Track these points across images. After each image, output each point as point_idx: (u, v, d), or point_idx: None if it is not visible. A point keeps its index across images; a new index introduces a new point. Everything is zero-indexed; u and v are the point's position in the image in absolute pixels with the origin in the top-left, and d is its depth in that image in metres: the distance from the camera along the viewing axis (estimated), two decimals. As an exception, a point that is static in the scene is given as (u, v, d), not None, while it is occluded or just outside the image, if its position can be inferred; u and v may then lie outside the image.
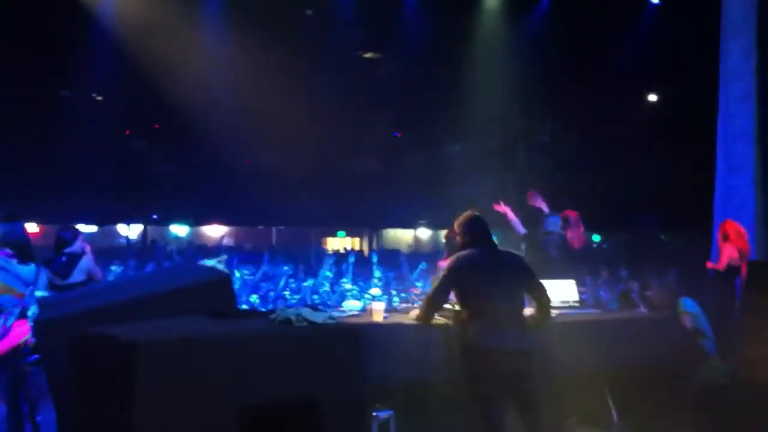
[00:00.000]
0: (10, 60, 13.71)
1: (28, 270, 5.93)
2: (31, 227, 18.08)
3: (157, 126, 17.42)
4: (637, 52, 13.90)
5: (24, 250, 5.97)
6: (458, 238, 5.53)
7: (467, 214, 5.60)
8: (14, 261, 5.90)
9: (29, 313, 6.25)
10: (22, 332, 5.92)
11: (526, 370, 5.13)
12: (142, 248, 18.12)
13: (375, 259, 11.98)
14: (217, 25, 14.14)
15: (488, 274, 5.22)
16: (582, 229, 8.08)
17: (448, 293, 5.34)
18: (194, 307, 4.49)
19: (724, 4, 10.24)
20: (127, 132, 17.23)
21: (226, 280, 4.96)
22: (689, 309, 7.05)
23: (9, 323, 5.68)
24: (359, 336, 4.28)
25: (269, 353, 3.93)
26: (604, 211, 11.46)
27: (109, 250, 16.40)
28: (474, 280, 5.21)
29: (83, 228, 20.90)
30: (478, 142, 15.35)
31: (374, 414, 5.22)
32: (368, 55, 16.57)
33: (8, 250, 5.93)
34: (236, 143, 15.73)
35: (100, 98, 17.16)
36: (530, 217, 8.25)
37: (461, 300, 5.30)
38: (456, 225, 5.56)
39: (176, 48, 13.52)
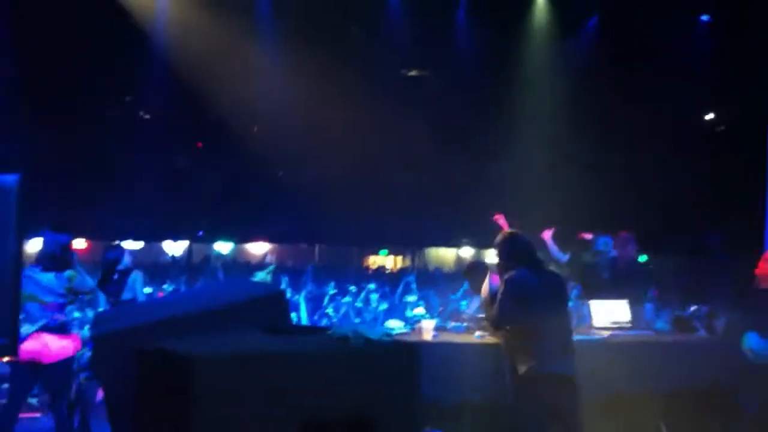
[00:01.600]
0: (59, 77, 13.99)
1: (47, 278, 6.00)
2: (80, 243, 18.37)
3: (200, 144, 17.65)
4: (688, 70, 13.74)
5: (52, 259, 6.05)
6: (499, 258, 5.39)
7: (508, 232, 5.54)
8: (38, 269, 6.00)
9: (73, 325, 6.34)
10: (66, 347, 6.00)
11: (574, 395, 5.07)
12: (188, 265, 18.26)
13: (413, 280, 11.96)
14: (263, 40, 14.28)
15: (539, 296, 5.12)
16: (632, 248, 7.96)
17: (509, 314, 5.19)
18: (250, 323, 4.50)
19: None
20: (199, 145, 17.41)
21: (280, 295, 4.97)
22: (754, 346, 6.83)
23: (31, 330, 5.76)
24: (415, 353, 4.24)
25: (326, 369, 3.89)
26: (651, 231, 11.27)
27: (153, 267, 16.60)
28: (526, 302, 5.10)
29: (129, 245, 21.23)
30: (523, 162, 15.23)
31: (423, 434, 5.21)
32: (413, 72, 16.60)
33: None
34: (281, 160, 15.86)
35: (147, 116, 17.44)
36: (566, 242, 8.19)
37: (515, 323, 5.20)
38: (497, 244, 5.43)
39: (222, 64, 13.68)
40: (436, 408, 5.46)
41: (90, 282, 6.32)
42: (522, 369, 5.07)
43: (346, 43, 14.45)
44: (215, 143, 16.82)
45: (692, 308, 7.27)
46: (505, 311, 5.14)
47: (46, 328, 5.89)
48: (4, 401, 6.22)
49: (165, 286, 10.69)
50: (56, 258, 6.04)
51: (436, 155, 16.85)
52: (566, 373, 5.05)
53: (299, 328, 4.87)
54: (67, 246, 6.20)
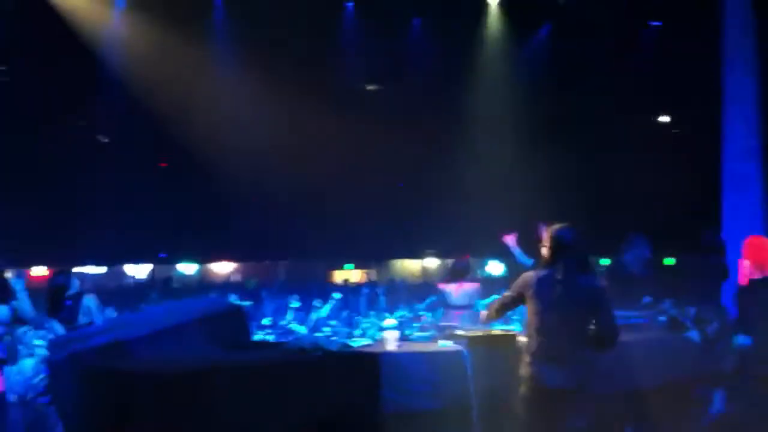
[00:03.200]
0: (20, 99, 13.79)
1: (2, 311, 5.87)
2: (41, 270, 18.09)
3: (163, 164, 17.49)
4: (639, 74, 13.96)
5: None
6: (544, 252, 5.16)
7: (554, 227, 5.15)
8: None
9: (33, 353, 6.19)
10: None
11: (573, 407, 4.96)
12: (151, 287, 18.07)
13: (382, 292, 11.96)
14: (219, 56, 14.22)
15: (554, 301, 4.91)
16: None
17: (514, 304, 5.18)
18: (209, 339, 4.46)
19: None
20: (163, 164, 17.24)
21: (239, 311, 4.93)
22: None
23: None
24: (375, 362, 4.22)
25: (285, 382, 3.88)
26: (612, 235, 11.38)
27: (117, 291, 16.38)
28: (534, 305, 4.95)
29: (92, 269, 20.96)
30: (482, 169, 15.34)
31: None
32: (371, 87, 16.63)
33: None
34: (241, 179, 15.77)
35: (106, 140, 17.26)
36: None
37: (524, 323, 5.19)
38: (546, 238, 5.15)
39: (179, 83, 13.58)
40: (401, 417, 5.43)
41: (29, 311, 6.13)
42: (523, 376, 4.99)
43: (303, 57, 14.43)
44: (175, 163, 16.69)
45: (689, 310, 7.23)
46: (501, 301, 5.17)
47: None
48: None
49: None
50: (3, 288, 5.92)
51: (398, 168, 16.92)
52: (563, 387, 4.86)
53: (257, 343, 4.83)
54: (3, 274, 6.05)
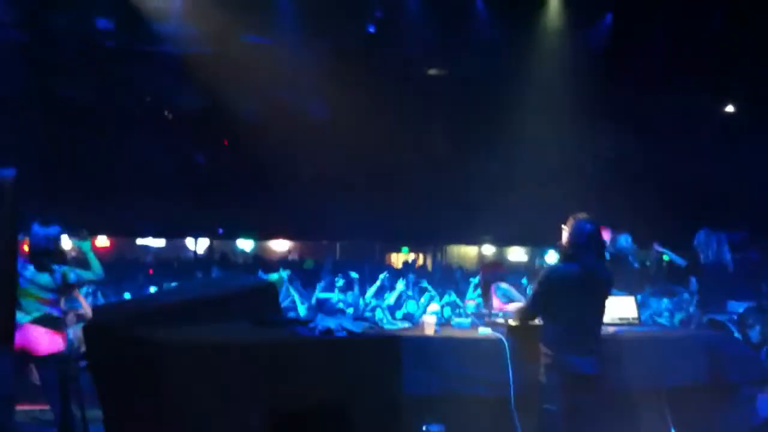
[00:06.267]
0: (79, 75, 14.13)
1: (44, 278, 6.06)
2: (102, 240, 18.59)
3: (226, 142, 17.75)
4: (703, 60, 13.55)
5: (46, 254, 6.10)
6: (563, 243, 5.22)
7: (576, 217, 5.16)
8: (30, 266, 6.05)
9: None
10: (56, 341, 6.06)
11: (595, 394, 5.05)
12: (209, 262, 18.35)
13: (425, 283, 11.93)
14: (278, 37, 14.30)
15: (577, 294, 5.00)
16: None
17: (540, 306, 5.18)
18: (238, 314, 4.52)
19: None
20: (225, 142, 17.54)
21: (270, 287, 4.98)
22: None
23: (22, 321, 5.81)
24: (397, 345, 4.23)
25: (305, 360, 3.92)
26: (672, 224, 11.12)
27: (176, 263, 16.72)
28: (560, 299, 5.01)
29: (152, 241, 21.45)
30: (542, 157, 15.12)
31: (425, 428, 5.18)
32: (432, 71, 16.55)
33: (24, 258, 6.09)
34: (302, 158, 15.90)
35: (170, 116, 17.59)
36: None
37: (546, 316, 5.16)
38: (566, 228, 5.20)
39: (238, 61, 13.73)
40: (438, 402, 5.45)
41: (85, 273, 6.34)
42: (548, 367, 5.04)
43: (363, 37, 14.43)
44: (237, 140, 16.90)
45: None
46: (531, 303, 5.15)
47: (39, 321, 5.97)
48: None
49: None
50: (50, 252, 6.11)
51: (457, 153, 16.81)
52: (588, 373, 4.99)
53: (284, 320, 4.88)
54: (58, 239, 6.25)
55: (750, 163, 12.88)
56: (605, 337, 5.97)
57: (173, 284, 10.25)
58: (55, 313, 6.11)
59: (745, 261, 8.41)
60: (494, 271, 7.40)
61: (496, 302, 6.97)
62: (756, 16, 11.95)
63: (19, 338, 5.73)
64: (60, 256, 6.18)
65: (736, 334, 6.93)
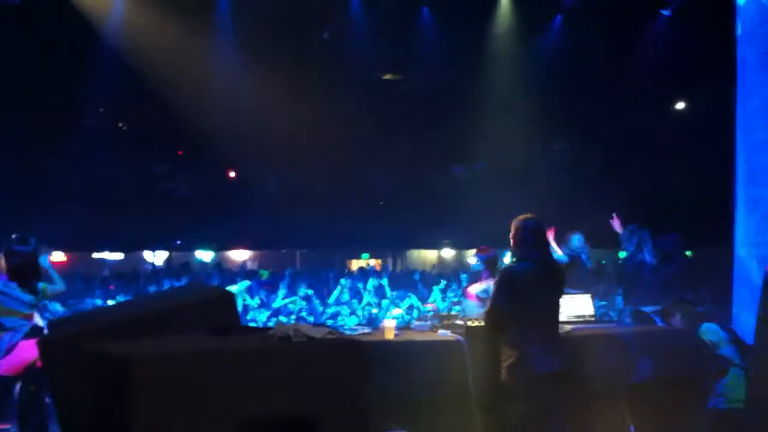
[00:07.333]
0: (34, 87, 13.91)
1: (28, 296, 6.01)
2: (58, 255, 18.27)
3: (180, 152, 17.60)
4: (651, 64, 13.81)
5: (25, 271, 6.05)
6: (512, 244, 5.26)
7: (520, 218, 5.23)
8: (14, 285, 5.99)
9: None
10: (33, 351, 5.99)
11: (564, 392, 5.07)
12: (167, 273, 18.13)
13: (386, 282, 12.01)
14: (234, 48, 14.24)
15: (534, 291, 5.05)
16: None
17: (501, 307, 5.16)
18: (197, 324, 4.50)
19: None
20: (180, 152, 17.36)
21: (228, 298, 4.96)
22: (710, 337, 6.86)
23: (15, 340, 5.75)
24: (357, 349, 4.23)
25: (266, 368, 3.90)
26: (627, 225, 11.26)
27: (132, 276, 16.47)
28: (518, 297, 5.03)
29: (109, 255, 21.16)
30: (498, 161, 15.27)
31: (387, 432, 5.17)
32: (387, 76, 16.61)
33: (4, 276, 6.04)
34: (258, 166, 15.83)
35: (124, 127, 17.40)
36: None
37: (506, 317, 5.14)
38: (512, 230, 5.24)
39: (193, 72, 13.64)
40: (398, 406, 5.42)
41: (53, 287, 6.34)
42: (512, 366, 5.04)
43: (317, 47, 14.43)
44: (192, 151, 16.77)
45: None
46: (495, 305, 5.13)
47: (29, 336, 5.94)
48: None
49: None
50: (29, 270, 6.06)
51: (414, 157, 16.89)
52: (553, 370, 5.02)
53: (243, 329, 4.86)
54: (35, 255, 6.21)
55: (702, 165, 13.13)
56: (563, 335, 6.07)
57: (129, 297, 10.15)
58: (40, 323, 6.11)
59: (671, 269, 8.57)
60: (488, 254, 7.85)
61: (472, 297, 7.10)
62: (701, 13, 12.17)
63: (15, 357, 5.69)
64: (39, 272, 6.17)
65: (659, 323, 7.07)
